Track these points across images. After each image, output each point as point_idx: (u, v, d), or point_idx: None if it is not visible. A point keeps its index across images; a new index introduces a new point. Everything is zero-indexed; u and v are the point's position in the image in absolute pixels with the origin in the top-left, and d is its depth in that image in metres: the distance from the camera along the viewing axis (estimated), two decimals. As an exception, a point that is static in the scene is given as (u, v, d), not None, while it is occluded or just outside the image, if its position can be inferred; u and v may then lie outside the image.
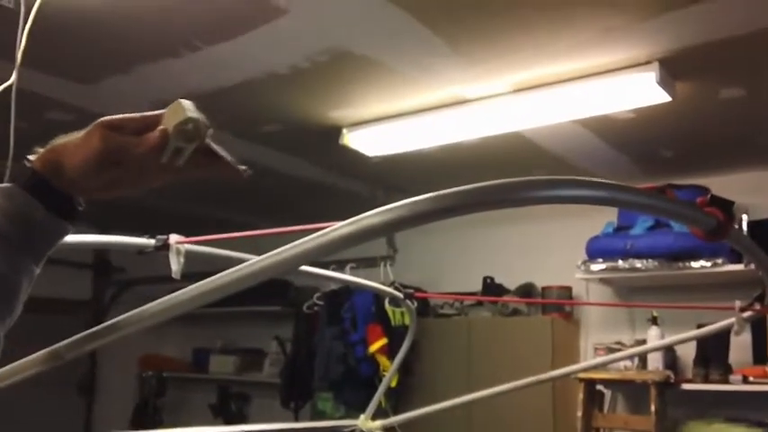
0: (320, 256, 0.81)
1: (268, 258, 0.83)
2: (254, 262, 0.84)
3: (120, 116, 0.84)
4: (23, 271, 0.82)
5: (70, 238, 1.86)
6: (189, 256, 1.96)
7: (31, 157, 0.84)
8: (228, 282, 0.87)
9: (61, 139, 0.85)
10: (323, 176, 4.70)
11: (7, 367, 0.99)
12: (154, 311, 0.93)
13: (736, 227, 1.11)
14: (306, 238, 0.80)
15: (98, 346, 0.98)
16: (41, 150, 0.85)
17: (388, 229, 0.78)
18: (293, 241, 0.81)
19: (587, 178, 0.81)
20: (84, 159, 0.81)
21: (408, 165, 4.27)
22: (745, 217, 3.83)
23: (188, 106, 0.81)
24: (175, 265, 1.95)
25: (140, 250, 1.95)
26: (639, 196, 0.92)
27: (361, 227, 0.77)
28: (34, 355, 0.98)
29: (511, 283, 4.82)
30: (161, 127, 0.81)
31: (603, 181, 0.83)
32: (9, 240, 0.80)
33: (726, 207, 1.14)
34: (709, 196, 1.14)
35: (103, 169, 0.82)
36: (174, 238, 1.97)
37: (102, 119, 0.83)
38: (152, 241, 1.96)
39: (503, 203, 0.81)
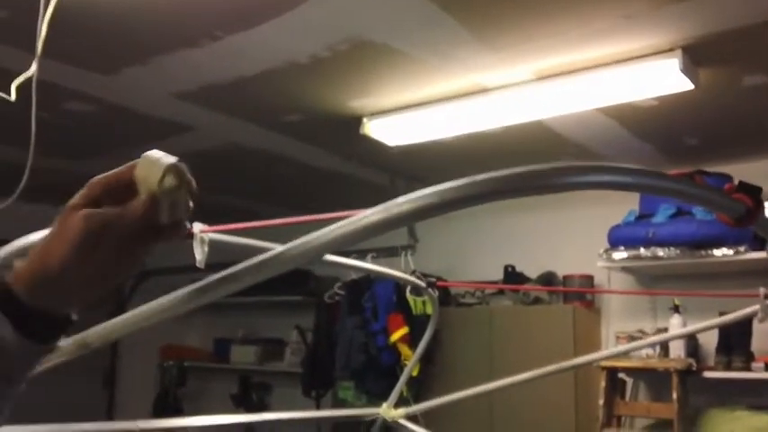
0: (349, 244, 0.81)
1: (298, 246, 0.82)
2: (284, 249, 0.83)
3: (92, 186, 0.73)
4: None
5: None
6: (210, 245, 1.96)
7: (13, 270, 0.74)
8: (258, 269, 0.85)
9: (38, 243, 0.74)
10: (343, 167, 4.69)
11: None
12: (181, 299, 0.91)
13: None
14: (335, 225, 0.79)
15: (124, 334, 0.97)
16: (20, 262, 0.74)
17: (418, 216, 0.77)
18: (316, 230, 0.81)
19: (619, 164, 0.81)
20: (63, 250, 0.71)
21: (429, 154, 4.27)
22: (768, 204, 3.79)
23: (157, 158, 0.72)
24: (200, 255, 1.95)
25: (164, 240, 1.94)
26: (669, 182, 0.91)
27: (391, 214, 0.76)
28: (62, 344, 0.99)
29: (532, 272, 4.80)
30: (146, 194, 0.72)
31: (634, 166, 0.83)
32: None
33: (754, 192, 1.13)
34: (737, 182, 1.12)
35: (88, 256, 0.71)
36: (198, 226, 1.97)
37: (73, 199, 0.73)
38: (175, 230, 1.96)
39: (536, 190, 0.80)
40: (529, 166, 0.79)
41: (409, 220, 0.77)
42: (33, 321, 0.72)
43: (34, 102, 2.23)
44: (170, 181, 0.71)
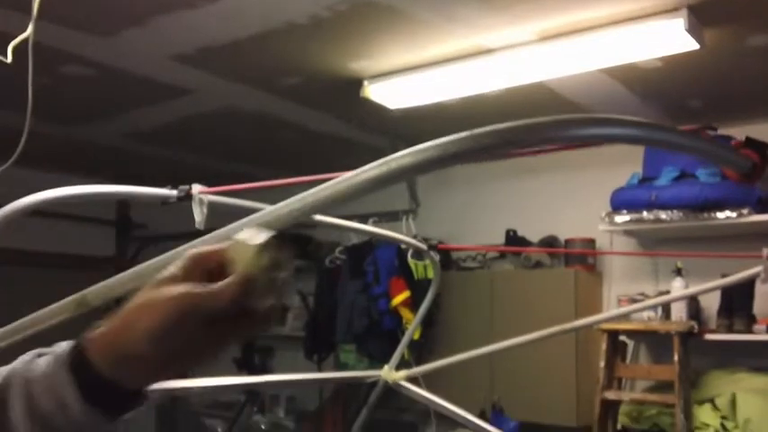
0: (350, 199, 0.79)
1: (299, 200, 0.80)
2: (284, 204, 0.82)
3: (188, 260, 0.70)
4: None
5: (94, 188, 1.85)
6: (211, 208, 1.96)
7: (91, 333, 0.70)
8: (260, 224, 0.84)
9: (122, 310, 0.70)
10: (343, 130, 4.66)
11: (37, 314, 1.00)
12: (173, 256, 0.90)
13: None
14: (335, 180, 0.78)
15: (123, 292, 0.97)
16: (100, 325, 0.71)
17: (419, 170, 0.75)
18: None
19: (626, 117, 0.79)
20: (149, 325, 0.67)
21: (430, 117, 4.23)
22: (772, 167, 3.76)
23: (251, 235, 0.69)
24: (199, 216, 1.95)
25: (164, 201, 1.94)
26: (677, 136, 0.90)
27: (391, 168, 0.75)
28: (62, 302, 0.98)
29: (534, 236, 4.80)
30: (239, 274, 0.68)
31: (641, 120, 0.81)
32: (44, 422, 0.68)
33: (761, 148, 1.13)
34: (744, 138, 1.12)
35: (175, 334, 0.67)
36: (196, 188, 1.96)
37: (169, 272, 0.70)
38: (174, 192, 1.95)
39: (538, 142, 0.79)
40: (531, 119, 0.77)
41: (410, 173, 0.76)
42: (103, 392, 0.68)
43: (31, 64, 2.20)
44: (265, 260, 0.68)
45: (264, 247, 0.68)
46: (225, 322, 0.69)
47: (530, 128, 0.77)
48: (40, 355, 0.72)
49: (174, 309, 0.67)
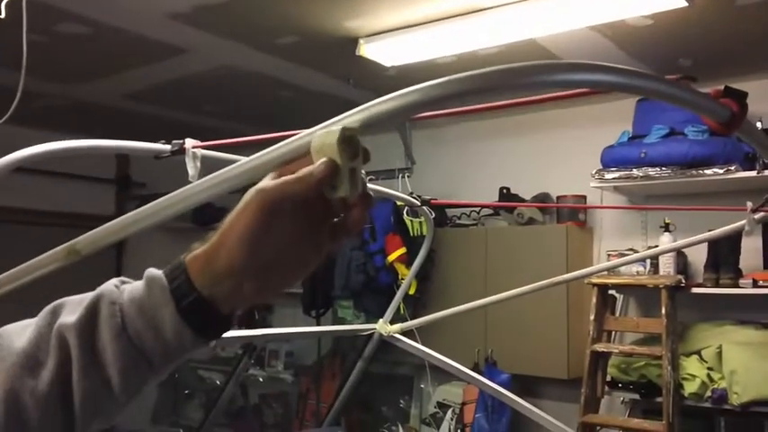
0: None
1: (283, 146, 0.79)
2: (271, 150, 0.81)
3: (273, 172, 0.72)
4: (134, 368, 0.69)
5: (88, 143, 1.87)
6: (206, 162, 1.99)
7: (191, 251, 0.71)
8: (246, 170, 0.80)
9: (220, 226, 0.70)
10: (340, 89, 4.66)
11: (25, 264, 0.98)
12: (170, 202, 0.86)
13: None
14: (317, 127, 0.77)
15: (114, 240, 0.95)
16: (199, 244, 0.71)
17: (401, 114, 0.75)
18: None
19: (605, 63, 0.82)
20: (241, 226, 0.68)
21: (425, 75, 4.22)
22: (758, 124, 3.80)
23: (329, 129, 0.70)
24: (192, 170, 1.99)
25: (157, 155, 1.98)
26: (656, 83, 0.92)
27: (371, 113, 0.74)
28: (51, 252, 0.94)
29: (527, 194, 4.85)
30: (324, 159, 0.69)
31: (621, 66, 0.84)
32: (131, 339, 0.68)
33: (739, 97, 1.15)
34: (723, 87, 1.14)
35: (266, 231, 0.67)
36: (190, 142, 2.00)
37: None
38: (168, 146, 1.99)
39: (520, 87, 0.80)
40: (516, 63, 0.79)
41: (392, 118, 0.75)
42: (198, 314, 0.69)
43: (25, 21, 2.22)
44: (345, 150, 0.69)
45: (344, 137, 0.69)
46: (317, 219, 0.70)
47: (513, 72, 0.77)
48: (123, 282, 0.73)
49: (262, 203, 0.68)
